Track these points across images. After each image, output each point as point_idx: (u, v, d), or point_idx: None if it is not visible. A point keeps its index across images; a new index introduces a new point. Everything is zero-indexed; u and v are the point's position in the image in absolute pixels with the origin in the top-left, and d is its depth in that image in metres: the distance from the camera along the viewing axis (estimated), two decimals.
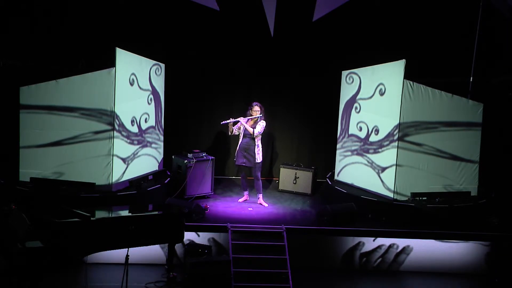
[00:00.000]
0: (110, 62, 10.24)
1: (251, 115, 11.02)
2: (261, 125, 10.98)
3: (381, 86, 10.95)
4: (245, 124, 10.96)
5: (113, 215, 8.91)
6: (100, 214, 8.69)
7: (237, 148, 11.12)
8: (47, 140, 10.49)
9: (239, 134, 11.10)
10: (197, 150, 11.49)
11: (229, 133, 11.14)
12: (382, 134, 10.97)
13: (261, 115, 11.00)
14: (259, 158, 11.03)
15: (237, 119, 10.99)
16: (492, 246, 10.22)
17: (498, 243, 10.21)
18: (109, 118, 10.36)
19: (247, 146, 11.00)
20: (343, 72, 11.57)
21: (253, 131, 10.91)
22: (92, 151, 10.43)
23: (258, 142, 11.02)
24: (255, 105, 11.04)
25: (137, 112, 11.05)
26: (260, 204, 11.27)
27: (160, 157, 11.89)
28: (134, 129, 10.99)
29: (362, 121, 11.34)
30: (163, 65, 11.63)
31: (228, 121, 10.98)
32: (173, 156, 11.60)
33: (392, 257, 10.21)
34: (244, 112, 11.16)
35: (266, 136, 12.16)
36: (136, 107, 10.99)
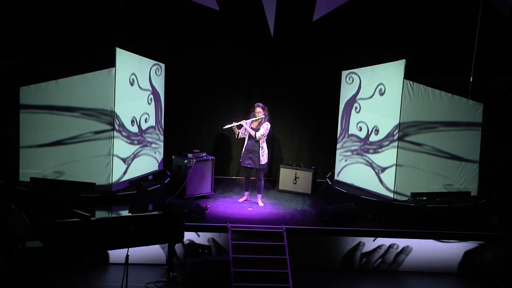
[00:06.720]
0: (110, 62, 10.24)
1: (255, 117, 10.95)
2: (264, 127, 10.86)
3: (381, 86, 10.95)
4: (247, 127, 10.87)
5: (113, 215, 8.91)
6: (100, 214, 8.69)
7: (243, 149, 11.07)
8: (47, 140, 10.49)
9: (245, 137, 11.03)
10: (197, 150, 11.47)
11: (236, 137, 11.09)
12: (382, 134, 10.97)
13: (263, 116, 10.88)
14: (263, 160, 10.96)
15: (240, 122, 10.92)
16: (492, 246, 10.22)
17: (498, 243, 10.21)
18: (109, 118, 10.35)
19: (252, 148, 10.93)
20: (343, 72, 11.57)
21: (255, 134, 10.87)
22: (92, 151, 10.43)
23: (263, 144, 10.93)
24: (257, 106, 10.93)
25: (137, 112, 11.05)
26: (257, 203, 11.25)
27: (160, 157, 11.89)
28: (134, 129, 10.99)
29: (362, 121, 11.34)
30: (163, 65, 11.63)
31: (231, 125, 10.93)
32: (173, 156, 11.59)
33: (392, 257, 10.21)
34: (246, 112, 11.13)
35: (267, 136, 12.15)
36: (136, 107, 10.99)
